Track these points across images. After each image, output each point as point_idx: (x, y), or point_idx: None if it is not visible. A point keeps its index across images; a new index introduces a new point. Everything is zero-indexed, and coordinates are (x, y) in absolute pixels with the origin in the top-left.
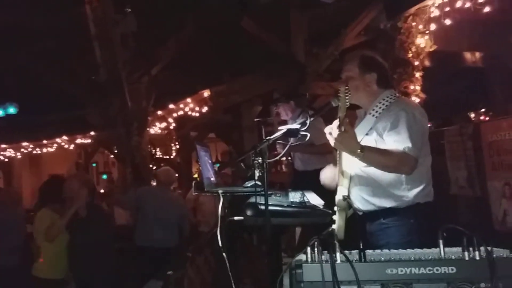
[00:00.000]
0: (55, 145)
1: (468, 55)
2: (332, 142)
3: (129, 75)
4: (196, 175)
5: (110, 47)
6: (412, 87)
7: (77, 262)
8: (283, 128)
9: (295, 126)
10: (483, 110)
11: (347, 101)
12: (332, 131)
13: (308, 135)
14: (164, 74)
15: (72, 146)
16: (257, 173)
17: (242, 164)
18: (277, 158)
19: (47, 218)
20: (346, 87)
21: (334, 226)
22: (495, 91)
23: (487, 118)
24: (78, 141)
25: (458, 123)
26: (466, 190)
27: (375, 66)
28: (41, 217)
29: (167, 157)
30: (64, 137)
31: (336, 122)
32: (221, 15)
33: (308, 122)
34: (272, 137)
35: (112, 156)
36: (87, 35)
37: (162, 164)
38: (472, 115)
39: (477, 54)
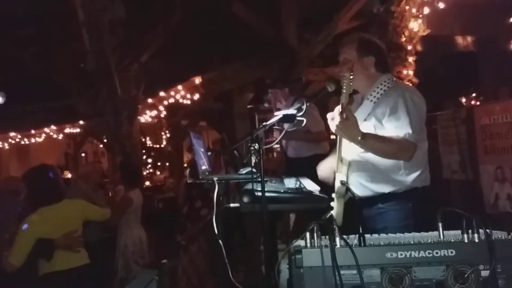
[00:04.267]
0: (43, 135)
1: (459, 39)
2: (333, 128)
3: (118, 62)
4: (185, 164)
5: (98, 34)
6: (405, 72)
7: None
8: (279, 114)
9: (291, 111)
10: (474, 94)
11: (350, 87)
12: (333, 117)
13: (304, 120)
14: (154, 61)
15: (60, 136)
16: (253, 160)
17: (236, 151)
18: (273, 144)
19: None
20: (351, 73)
21: (332, 212)
22: (486, 75)
23: (478, 103)
24: (67, 130)
25: (449, 108)
26: (459, 174)
27: (373, 50)
28: None
29: (158, 146)
30: (52, 127)
31: (338, 108)
32: (210, 1)
33: (304, 107)
34: (268, 122)
35: (101, 145)
36: (74, 23)
37: (152, 153)
38: (463, 100)
39: (469, 38)
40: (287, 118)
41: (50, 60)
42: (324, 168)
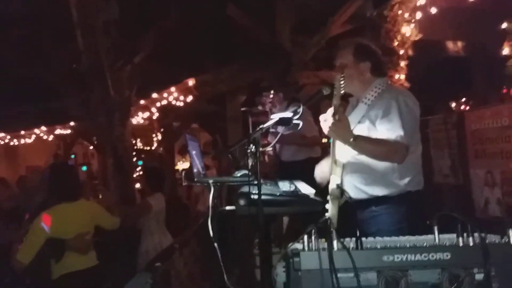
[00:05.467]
0: (33, 136)
1: (451, 44)
2: (325, 130)
3: (112, 63)
4: (177, 166)
5: (92, 34)
6: (397, 76)
7: None
8: (275, 117)
9: (288, 114)
10: (464, 99)
11: (342, 89)
12: (326, 119)
13: (301, 123)
14: (147, 63)
15: (50, 137)
16: (250, 162)
17: (230, 154)
18: (268, 147)
19: None
20: (342, 75)
21: (327, 215)
22: (477, 80)
23: (467, 107)
24: (57, 132)
25: (440, 112)
26: (450, 179)
27: (370, 55)
28: None
29: (148, 148)
30: (43, 128)
31: (330, 110)
32: (204, 4)
33: (300, 110)
34: (265, 125)
35: (91, 147)
36: (66, 23)
37: (142, 155)
38: (453, 104)
39: (460, 43)
40: (283, 121)
41: (41, 61)
42: (321, 171)
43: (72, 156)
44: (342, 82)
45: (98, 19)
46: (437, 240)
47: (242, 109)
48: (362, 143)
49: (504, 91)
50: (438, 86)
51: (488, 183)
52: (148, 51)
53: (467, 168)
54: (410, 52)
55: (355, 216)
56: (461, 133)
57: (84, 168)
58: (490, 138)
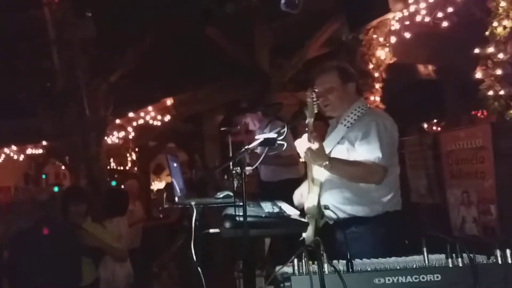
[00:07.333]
0: (2, 156)
1: (423, 68)
2: (302, 154)
3: (88, 82)
4: (152, 187)
5: (68, 52)
6: (372, 98)
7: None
8: (260, 137)
9: (272, 135)
10: (435, 120)
11: (315, 106)
12: (302, 143)
13: (285, 144)
14: (124, 81)
15: (21, 157)
16: (235, 183)
17: (214, 175)
18: (255, 166)
19: None
20: (313, 92)
21: (304, 235)
22: (448, 103)
23: (439, 129)
24: (28, 151)
25: (413, 134)
26: (426, 198)
27: (353, 76)
28: None
29: (122, 168)
30: (13, 147)
31: (305, 136)
32: (183, 25)
33: (284, 131)
34: (250, 146)
35: (63, 167)
36: (40, 40)
37: (116, 176)
38: (425, 126)
39: (433, 67)
40: (268, 142)
41: (14, 78)
42: (300, 195)
43: (43, 177)
44: (314, 99)
45: (74, 36)
46: (426, 261)
47: (222, 129)
48: (338, 165)
49: (479, 114)
50: (411, 108)
51: (464, 202)
52: (125, 70)
53: (443, 188)
54: (384, 75)
55: (335, 237)
56: (437, 153)
57: (56, 188)
58: (465, 158)
